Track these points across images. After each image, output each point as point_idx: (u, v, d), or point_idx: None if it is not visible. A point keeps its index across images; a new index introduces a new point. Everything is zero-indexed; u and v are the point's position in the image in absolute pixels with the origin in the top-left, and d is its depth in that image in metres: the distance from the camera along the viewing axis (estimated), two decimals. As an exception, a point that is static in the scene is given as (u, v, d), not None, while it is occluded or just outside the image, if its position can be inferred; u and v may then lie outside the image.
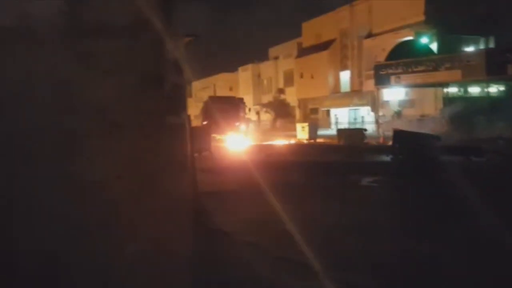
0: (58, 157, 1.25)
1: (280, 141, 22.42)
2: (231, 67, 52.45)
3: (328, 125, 32.76)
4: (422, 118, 24.11)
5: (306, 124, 24.72)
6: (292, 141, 23.41)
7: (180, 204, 1.51)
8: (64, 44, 1.26)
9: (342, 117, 33.23)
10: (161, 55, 1.42)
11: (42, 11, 1.23)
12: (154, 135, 1.40)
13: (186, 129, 1.58)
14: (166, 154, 1.44)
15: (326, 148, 18.86)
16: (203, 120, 22.98)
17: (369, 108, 31.24)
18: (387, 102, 29.82)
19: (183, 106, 1.53)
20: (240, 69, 50.21)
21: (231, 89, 52.05)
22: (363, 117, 28.91)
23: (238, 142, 21.36)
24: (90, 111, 1.29)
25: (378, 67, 22.58)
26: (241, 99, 27.61)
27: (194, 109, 58.45)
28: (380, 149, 16.56)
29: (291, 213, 5.89)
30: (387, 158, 12.81)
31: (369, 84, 28.76)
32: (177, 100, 1.48)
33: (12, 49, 1.23)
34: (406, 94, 28.38)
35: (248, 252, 4.33)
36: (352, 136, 20.36)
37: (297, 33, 42.06)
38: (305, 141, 23.45)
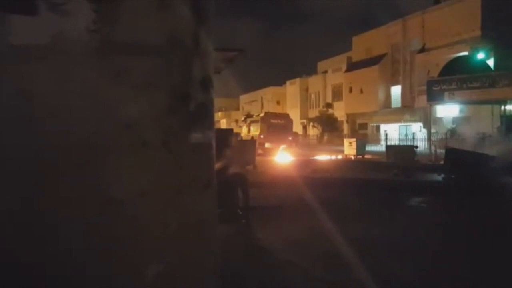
0: (87, 173, 1.27)
1: (327, 156, 22.07)
2: (279, 81, 52.76)
3: (377, 141, 31.93)
4: (477, 136, 22.90)
5: (353, 140, 24.19)
6: (339, 157, 22.98)
7: (204, 224, 1.49)
8: (94, 62, 1.29)
9: (392, 133, 32.32)
10: (188, 73, 1.42)
11: (74, 29, 1.26)
12: (178, 153, 1.39)
13: (212, 147, 1.57)
14: (190, 173, 1.43)
15: (374, 165, 18.32)
16: (261, 134, 24.27)
17: (421, 125, 30.16)
18: (440, 118, 28.65)
19: (209, 124, 1.51)
20: (288, 82, 50.31)
21: (278, 102, 52.25)
22: (414, 133, 27.91)
23: (284, 157, 21.27)
24: (118, 128, 1.30)
25: (431, 83, 21.71)
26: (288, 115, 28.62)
27: (241, 123, 58.96)
28: (432, 167, 15.86)
29: (334, 232, 5.76)
30: (438, 177, 12.25)
31: (421, 100, 27.79)
32: (202, 118, 1.47)
33: (44, 66, 1.26)
34: (461, 111, 27.17)
35: (287, 271, 4.24)
36: (402, 153, 19.61)
37: (347, 47, 41.68)
38: (352, 157, 22.95)
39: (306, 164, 17.29)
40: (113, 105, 1.30)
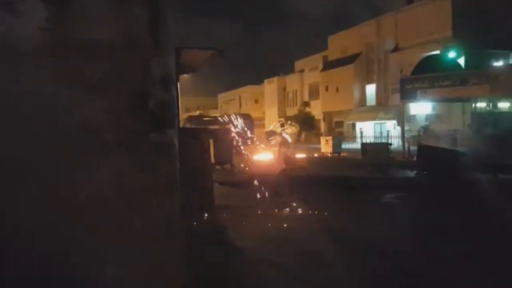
0: (42, 175, 1.25)
1: (303, 155, 22.24)
2: (258, 80, 52.80)
3: (353, 139, 32.35)
4: (449, 133, 23.51)
5: (330, 138, 24.51)
6: (316, 155, 23.21)
7: (167, 225, 1.48)
8: (45, 61, 1.27)
9: (367, 131, 32.77)
10: (146, 72, 1.41)
11: (25, 27, 1.24)
12: (138, 154, 1.38)
13: (175, 147, 1.56)
14: (150, 173, 1.42)
15: (350, 162, 18.58)
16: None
17: (395, 122, 30.72)
18: (413, 116, 29.26)
19: (170, 123, 1.51)
20: (266, 81, 50.45)
21: (256, 101, 52.32)
22: (389, 131, 28.42)
23: (261, 155, 21.33)
24: (73, 129, 1.29)
25: (404, 81, 22.18)
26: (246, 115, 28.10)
27: (219, 121, 58.47)
28: (405, 164, 16.20)
29: (309, 230, 5.82)
30: (411, 174, 12.52)
31: (395, 98, 28.31)
32: (163, 118, 1.47)
33: (-5, 66, 1.24)
34: (433, 108, 27.82)
35: (263, 270, 4.26)
36: (377, 151, 20.00)
37: (323, 46, 42.06)
38: (329, 155, 23.22)
39: (281, 162, 17.39)
40: (67, 105, 1.28)
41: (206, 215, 6.40)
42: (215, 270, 4.05)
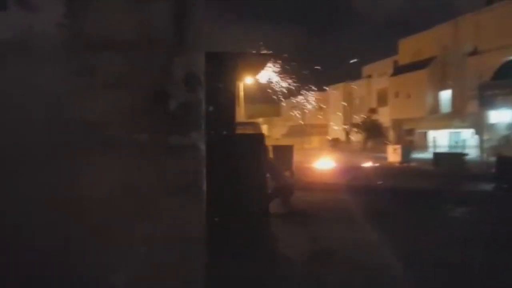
0: (51, 172, 1.20)
1: (369, 163, 21.43)
2: (322, 86, 51.97)
3: (424, 148, 30.68)
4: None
5: (398, 146, 23.40)
6: (383, 164, 22.26)
7: (185, 233, 1.37)
8: (63, 57, 1.21)
9: (441, 140, 30.95)
10: (167, 70, 1.31)
11: (43, 24, 1.19)
12: (153, 155, 1.28)
13: (199, 150, 1.44)
14: (166, 176, 1.32)
15: (419, 173, 17.54)
16: None
17: (472, 131, 28.66)
18: (493, 125, 27.09)
19: (194, 126, 1.39)
20: (330, 88, 49.60)
21: (320, 108, 51.57)
22: (465, 140, 26.54)
23: (323, 162, 20.89)
24: (87, 127, 1.22)
25: (483, 87, 20.62)
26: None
27: (281, 128, 58.86)
28: (482, 176, 14.97)
29: (366, 244, 5.48)
30: (489, 187, 11.52)
31: (473, 105, 26.40)
32: (185, 119, 1.35)
33: (11, 62, 1.21)
34: (517, 117, 25.56)
35: (306, 285, 4.05)
36: (450, 161, 18.73)
37: (393, 51, 40.47)
38: (397, 165, 22.16)
39: (347, 171, 16.86)
40: (82, 103, 1.21)
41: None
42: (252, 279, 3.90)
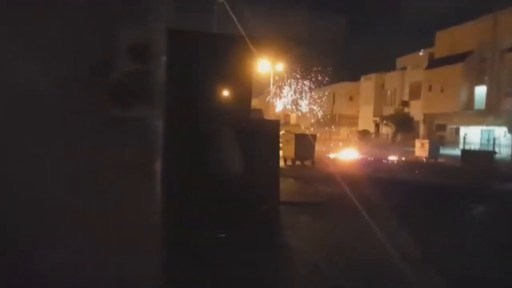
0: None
1: (394, 157, 20.95)
2: (354, 76, 51.01)
3: (455, 144, 29.72)
4: None
5: (426, 141, 22.69)
6: (409, 158, 21.72)
7: (133, 220, 1.32)
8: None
9: (473, 136, 29.88)
10: (107, 39, 1.25)
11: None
12: (96, 131, 1.24)
13: (149, 125, 1.39)
14: (108, 152, 1.27)
15: (446, 170, 17.03)
16: None
17: (505, 129, 27.52)
18: (529, 124, 25.96)
19: (142, 98, 1.33)
20: (362, 78, 48.58)
21: (351, 99, 50.72)
22: (496, 138, 25.47)
23: (348, 154, 20.60)
24: (20, 98, 1.18)
25: (520, 84, 19.71)
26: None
27: (309, 118, 58.12)
28: (511, 176, 14.39)
29: (373, 239, 5.34)
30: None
31: (509, 103, 25.35)
32: (129, 91, 1.30)
33: None
34: (555, 116, 24.35)
35: (305, 273, 3.98)
36: (479, 159, 18.09)
37: (430, 43, 39.11)
38: (424, 160, 21.57)
39: (370, 163, 16.57)
40: (12, 72, 1.17)
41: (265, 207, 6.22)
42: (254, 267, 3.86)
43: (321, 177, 11.33)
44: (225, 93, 5.77)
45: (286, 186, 9.34)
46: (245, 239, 4.74)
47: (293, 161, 14.83)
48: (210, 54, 5.39)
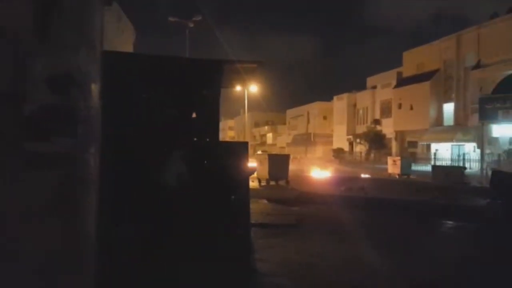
0: None
1: (367, 175, 21.19)
2: (328, 96, 51.95)
3: (427, 161, 30.33)
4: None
5: (398, 158, 23.12)
6: (381, 175, 22.00)
7: (46, 262, 1.24)
8: None
9: (443, 152, 30.61)
10: (21, 70, 1.19)
11: None
12: (9, 166, 1.16)
13: (72, 160, 1.32)
14: (24, 193, 1.19)
15: (417, 186, 17.25)
16: None
17: (475, 145, 28.34)
18: (496, 139, 26.79)
19: (62, 132, 1.27)
20: (335, 98, 49.46)
21: (325, 118, 51.45)
22: (465, 154, 26.18)
23: (322, 172, 20.72)
24: None
25: (483, 100, 20.47)
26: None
27: (285, 137, 58.59)
28: (480, 191, 14.71)
29: (344, 258, 5.31)
30: (483, 202, 11.27)
31: (476, 119, 26.17)
32: (47, 124, 1.23)
33: None
34: (520, 131, 25.26)
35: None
36: (449, 175, 18.46)
37: (397, 63, 40.33)
38: (396, 176, 21.90)
39: (344, 181, 16.66)
40: None
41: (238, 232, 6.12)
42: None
43: (294, 197, 11.29)
44: (188, 116, 5.71)
45: (258, 207, 9.27)
46: (213, 263, 4.61)
47: (267, 181, 14.79)
48: (171, 77, 5.36)
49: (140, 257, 3.99)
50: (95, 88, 1.43)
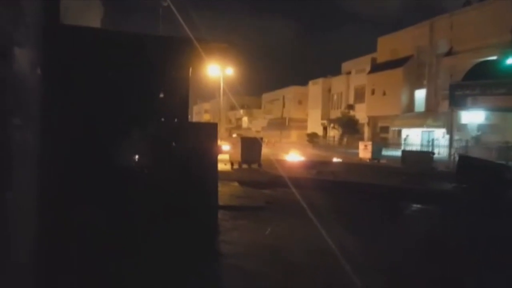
0: None
1: (338, 159, 21.47)
2: (304, 81, 51.99)
3: (398, 146, 30.92)
4: (503, 145, 21.83)
5: (369, 143, 23.51)
6: (352, 160, 22.33)
7: None
8: None
9: (414, 138, 31.25)
10: None
11: None
12: None
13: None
14: None
15: (387, 170, 17.62)
16: None
17: (444, 131, 29.03)
18: (465, 125, 27.52)
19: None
20: (310, 82, 49.58)
21: (300, 102, 51.61)
22: (435, 139, 26.80)
23: (295, 156, 20.84)
24: None
25: (453, 87, 20.79)
26: None
27: (260, 121, 58.53)
28: (448, 176, 15.13)
29: (308, 240, 5.35)
30: (449, 186, 11.60)
31: (446, 105, 26.66)
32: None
33: None
34: (487, 118, 25.97)
35: (232, 277, 3.88)
36: (418, 160, 18.91)
37: (373, 48, 40.60)
38: (367, 161, 22.28)
39: (315, 165, 16.81)
40: None
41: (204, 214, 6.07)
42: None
43: (265, 180, 11.33)
44: (154, 95, 5.56)
45: (229, 190, 9.24)
46: (179, 244, 4.55)
47: (240, 164, 14.76)
48: (138, 55, 5.19)
49: (98, 240, 3.89)
50: (22, 56, 1.32)
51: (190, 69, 7.00)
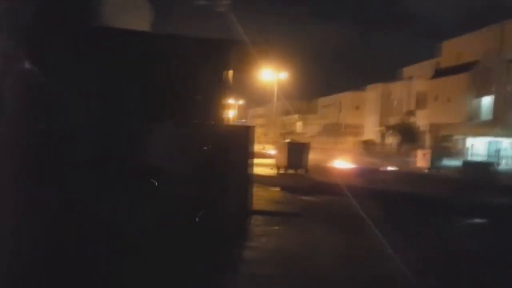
0: None
1: (393, 167, 20.56)
2: (361, 86, 50.62)
3: (461, 156, 29.13)
4: None
5: (428, 151, 22.30)
6: (409, 169, 21.29)
7: None
8: None
9: (479, 148, 29.33)
10: None
11: None
12: None
13: None
14: None
15: (445, 181, 16.60)
16: None
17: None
18: (536, 135, 25.36)
19: None
20: (368, 87, 48.16)
21: (357, 108, 50.29)
22: (500, 150, 24.90)
23: (346, 163, 20.28)
24: None
25: (524, 94, 19.23)
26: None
27: (315, 127, 57.74)
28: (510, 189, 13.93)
29: (337, 249, 5.10)
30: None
31: (515, 113, 24.78)
32: None
33: None
34: None
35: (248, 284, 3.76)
36: (479, 170, 17.64)
37: (436, 53, 38.66)
38: (424, 170, 21.10)
39: (366, 173, 16.21)
40: None
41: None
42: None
43: (308, 186, 11.08)
44: (187, 97, 5.58)
45: (268, 195, 9.14)
46: (200, 250, 4.50)
47: (285, 169, 14.59)
48: (170, 56, 5.25)
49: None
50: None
51: (229, 72, 6.97)
